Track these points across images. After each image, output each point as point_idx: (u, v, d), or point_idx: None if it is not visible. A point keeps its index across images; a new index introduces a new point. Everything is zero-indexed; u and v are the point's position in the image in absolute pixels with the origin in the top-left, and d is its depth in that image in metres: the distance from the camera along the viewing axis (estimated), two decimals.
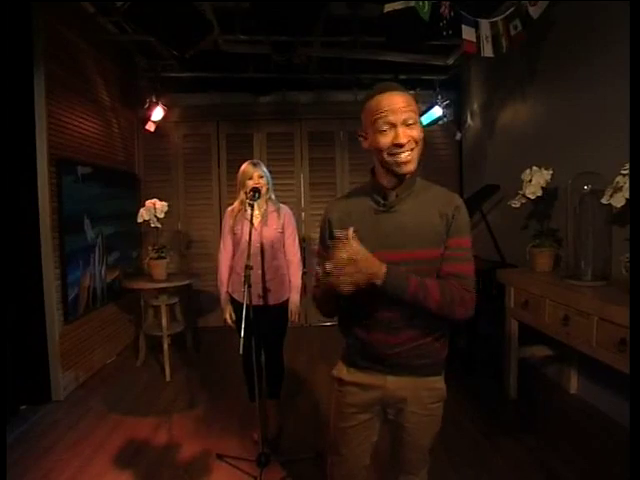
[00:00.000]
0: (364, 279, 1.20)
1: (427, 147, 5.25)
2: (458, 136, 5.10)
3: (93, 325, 3.91)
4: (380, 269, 1.22)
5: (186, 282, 4.03)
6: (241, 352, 2.07)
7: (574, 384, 3.23)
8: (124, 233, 4.51)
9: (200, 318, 5.16)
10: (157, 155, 5.15)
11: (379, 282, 1.22)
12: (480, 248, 4.55)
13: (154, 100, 4.58)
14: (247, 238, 2.51)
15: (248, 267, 2.22)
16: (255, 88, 5.01)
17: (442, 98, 4.72)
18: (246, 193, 2.58)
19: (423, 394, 1.42)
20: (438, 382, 1.45)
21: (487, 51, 2.67)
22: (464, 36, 2.55)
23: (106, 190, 4.13)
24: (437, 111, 4.72)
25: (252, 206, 2.40)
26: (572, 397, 3.19)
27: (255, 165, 2.59)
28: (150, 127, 4.70)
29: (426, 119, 4.91)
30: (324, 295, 1.38)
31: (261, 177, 2.57)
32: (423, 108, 4.98)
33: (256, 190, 2.47)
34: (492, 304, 3.64)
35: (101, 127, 4.15)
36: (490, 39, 2.64)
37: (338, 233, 1.23)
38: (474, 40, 2.60)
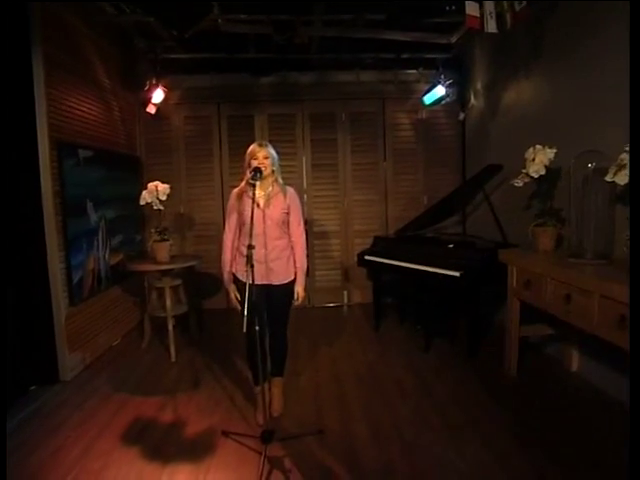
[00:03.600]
0: None
1: (429, 128, 5.23)
2: (461, 116, 5.04)
3: (98, 308, 3.95)
4: None
5: (189, 264, 4.04)
6: (244, 330, 2.10)
7: (575, 362, 3.25)
8: (127, 216, 4.52)
9: (203, 300, 5.20)
10: (158, 138, 5.12)
11: None
12: (482, 228, 4.55)
13: (154, 82, 4.53)
14: (254, 219, 2.53)
15: (250, 247, 2.23)
16: (256, 69, 4.95)
17: (445, 77, 4.65)
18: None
19: None
20: None
21: (491, 27, 2.62)
22: (468, 11, 2.50)
23: (108, 173, 4.12)
24: (440, 91, 4.65)
25: (253, 186, 2.39)
26: (573, 375, 3.22)
27: (261, 145, 2.58)
28: (151, 109, 4.66)
29: (429, 99, 4.86)
30: None
31: (266, 158, 2.56)
32: (426, 87, 4.93)
33: (257, 170, 2.45)
34: (494, 284, 3.66)
35: (101, 110, 4.12)
36: (494, 15, 2.58)
37: None
38: (478, 16, 2.55)
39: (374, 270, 4.45)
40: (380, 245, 4.40)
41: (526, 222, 3.34)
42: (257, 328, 2.28)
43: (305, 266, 2.74)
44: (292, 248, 2.72)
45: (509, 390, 3.06)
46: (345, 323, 4.79)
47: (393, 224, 5.20)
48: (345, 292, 5.38)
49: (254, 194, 2.39)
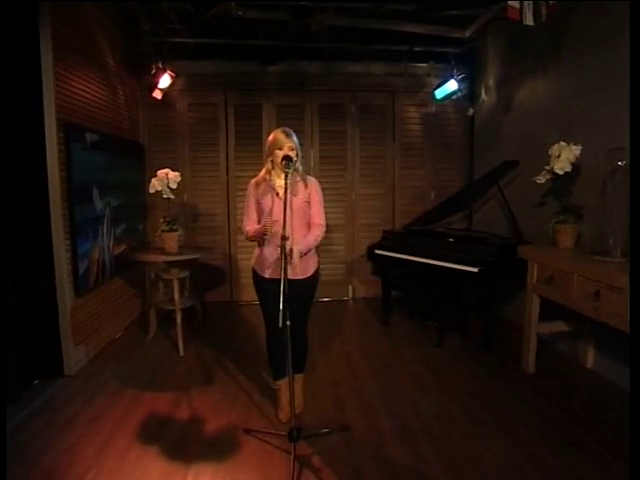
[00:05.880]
0: None
1: (437, 123, 5.14)
2: (470, 112, 5.00)
3: (102, 299, 3.80)
4: None
5: (199, 255, 3.92)
6: (281, 324, 2.02)
7: (590, 359, 3.27)
8: (130, 205, 4.35)
9: (205, 292, 5.07)
10: (161, 124, 4.94)
11: None
12: (489, 224, 4.55)
13: (161, 66, 4.37)
14: (274, 209, 2.45)
15: (284, 238, 2.15)
16: (264, 57, 4.82)
17: (457, 72, 4.61)
18: (272, 161, 2.49)
19: None
20: None
21: (529, 19, 2.59)
22: (510, 3, 2.46)
23: (112, 159, 3.95)
24: (452, 85, 4.61)
25: (287, 175, 2.30)
26: (588, 371, 3.23)
27: (288, 135, 2.47)
28: (157, 95, 4.49)
29: (440, 93, 4.81)
30: None
31: (292, 149, 2.47)
32: (436, 81, 4.88)
33: (289, 158, 2.37)
34: (509, 280, 3.66)
35: (106, 93, 3.95)
36: (532, 7, 2.55)
37: None
38: (518, 7, 2.51)
39: (383, 264, 4.40)
40: (390, 239, 4.35)
41: (537, 218, 3.31)
42: (288, 323, 2.20)
43: (315, 240, 2.60)
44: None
45: (528, 385, 3.05)
46: (353, 317, 4.75)
47: (399, 218, 5.16)
48: (350, 286, 5.33)
49: (286, 183, 2.29)
